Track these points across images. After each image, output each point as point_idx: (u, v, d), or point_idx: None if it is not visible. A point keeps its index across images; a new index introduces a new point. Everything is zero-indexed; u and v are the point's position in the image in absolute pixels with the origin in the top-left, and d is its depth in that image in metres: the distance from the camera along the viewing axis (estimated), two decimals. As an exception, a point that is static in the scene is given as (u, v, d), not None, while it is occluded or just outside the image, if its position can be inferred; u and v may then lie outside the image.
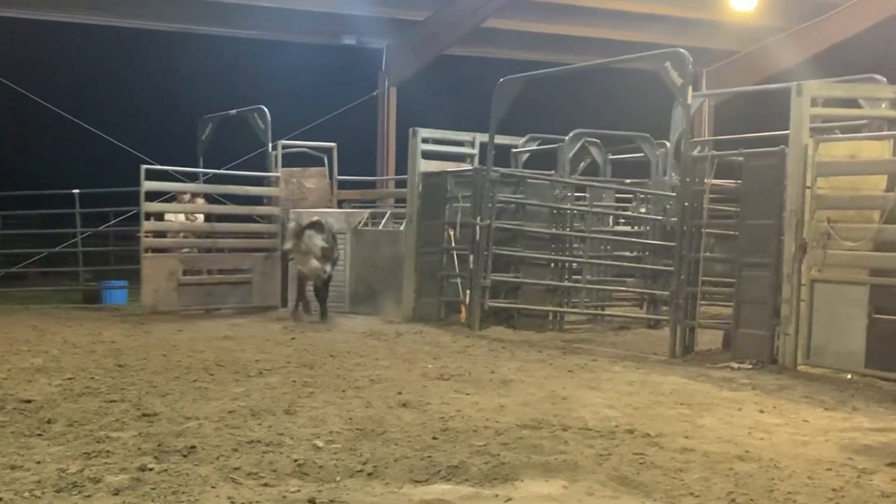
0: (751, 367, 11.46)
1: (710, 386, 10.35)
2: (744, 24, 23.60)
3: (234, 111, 19.32)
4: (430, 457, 6.99)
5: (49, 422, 7.97)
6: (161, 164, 18.33)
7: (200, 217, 18.55)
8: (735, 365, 11.55)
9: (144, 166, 16.88)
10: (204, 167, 19.84)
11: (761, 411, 9.05)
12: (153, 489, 6.18)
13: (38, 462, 6.75)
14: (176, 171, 18.56)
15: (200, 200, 18.57)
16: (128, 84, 25.76)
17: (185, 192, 18.39)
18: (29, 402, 8.76)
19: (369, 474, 6.60)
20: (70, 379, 10.00)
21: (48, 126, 23.07)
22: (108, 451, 7.02)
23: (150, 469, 6.57)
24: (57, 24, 22.52)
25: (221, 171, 19.64)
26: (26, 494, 6.05)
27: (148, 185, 16.86)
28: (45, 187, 19.04)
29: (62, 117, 22.27)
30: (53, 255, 20.45)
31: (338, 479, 6.49)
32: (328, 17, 22.51)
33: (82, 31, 22.95)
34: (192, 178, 19.01)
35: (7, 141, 24.04)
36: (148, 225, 17.26)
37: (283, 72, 24.20)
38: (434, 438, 7.58)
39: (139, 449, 7.11)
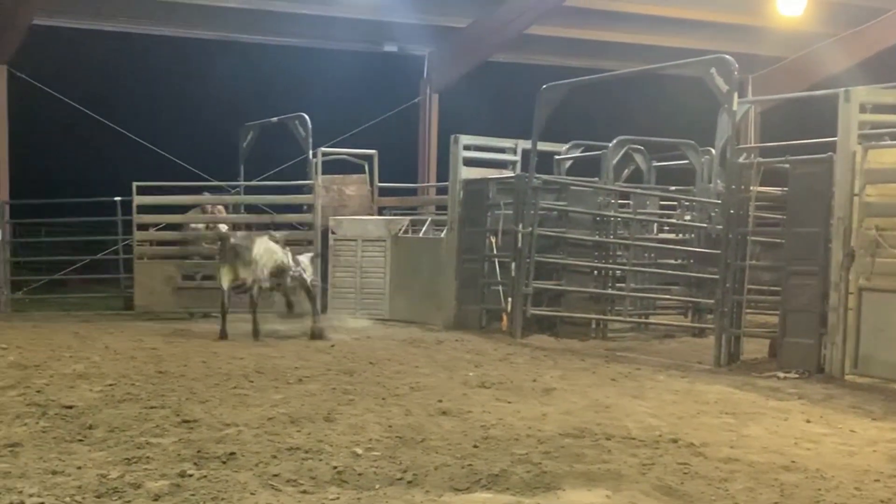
0: (797, 376, 11.36)
1: (755, 395, 10.24)
2: (791, 29, 23.35)
3: (275, 119, 19.41)
4: (470, 465, 6.91)
5: (90, 427, 7.98)
6: (201, 172, 19.07)
7: (223, 226, 18.68)
8: (781, 374, 11.46)
9: (136, 183, 17.80)
10: (245, 174, 19.97)
11: (808, 421, 8.93)
12: (193, 495, 6.16)
13: (79, 467, 6.75)
14: (167, 186, 18.86)
15: (220, 209, 18.68)
16: (169, 92, 25.95)
17: (206, 203, 18.58)
18: (70, 407, 8.78)
19: (409, 482, 6.54)
20: (111, 385, 10.03)
21: (90, 134, 23.24)
22: (148, 457, 7.01)
23: (190, 475, 6.55)
24: (99, 32, 22.65)
25: (232, 183, 19.83)
26: (67, 499, 6.05)
27: (139, 200, 17.83)
28: (87, 195, 19.20)
29: (104, 125, 22.44)
30: (95, 262, 20.61)
31: (377, 486, 6.44)
32: (370, 25, 22.52)
33: (125, 39, 23.13)
34: (188, 192, 19.14)
35: (49, 149, 24.25)
36: (140, 234, 18.08)
37: (324, 79, 24.27)
38: (475, 447, 7.51)
39: (179, 455, 7.10)
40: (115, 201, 18.62)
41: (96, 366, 11.42)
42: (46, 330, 15.29)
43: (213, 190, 19.58)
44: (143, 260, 18.16)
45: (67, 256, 21.25)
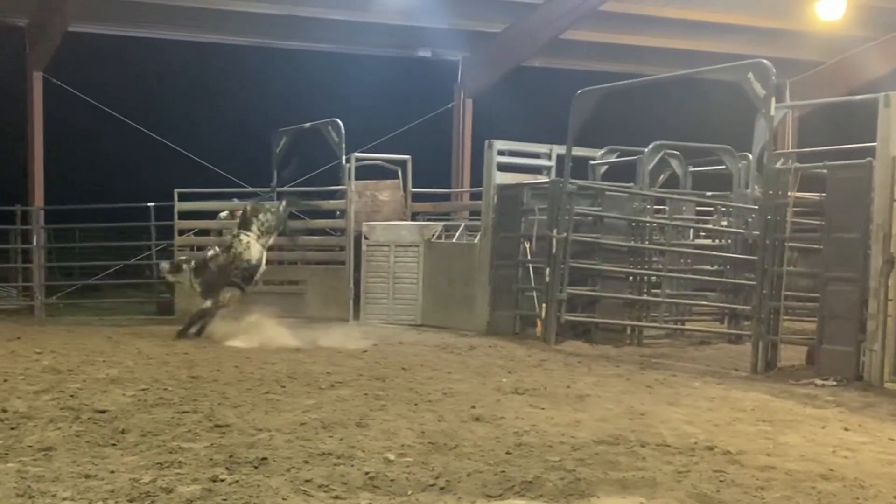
0: (835, 383, 11.22)
1: (792, 403, 10.13)
2: (829, 34, 23.11)
3: (308, 124, 19.41)
4: (503, 472, 6.87)
5: (123, 432, 8.00)
6: (234, 177, 20.08)
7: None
8: (819, 381, 11.32)
9: (177, 190, 18.18)
10: (278, 180, 20.01)
11: (846, 429, 8.82)
12: (224, 500, 6.16)
13: (112, 472, 6.76)
14: (207, 193, 19.14)
15: None
16: (203, 97, 26.03)
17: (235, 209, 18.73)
18: (103, 412, 8.82)
19: (441, 488, 6.49)
20: (144, 390, 10.05)
21: (123, 140, 23.37)
22: (180, 462, 7.02)
23: (222, 480, 6.55)
24: (135, 39, 22.79)
25: (265, 189, 19.92)
26: (100, 503, 6.07)
27: (180, 206, 18.16)
28: (120, 201, 19.33)
29: (137, 131, 22.56)
30: (128, 267, 20.73)
31: (409, 492, 6.40)
32: (404, 30, 22.52)
33: (159, 45, 23.21)
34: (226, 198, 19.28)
35: (83, 154, 24.40)
36: (180, 240, 18.38)
37: (357, 84, 24.29)
38: (508, 453, 7.46)
39: (211, 460, 7.10)
40: (149, 207, 18.73)
41: (129, 370, 11.47)
42: (80, 335, 15.41)
43: (248, 195, 19.65)
44: None
45: (101, 262, 21.36)
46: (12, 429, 8.12)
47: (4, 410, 8.84)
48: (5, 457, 7.18)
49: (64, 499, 6.13)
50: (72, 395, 9.67)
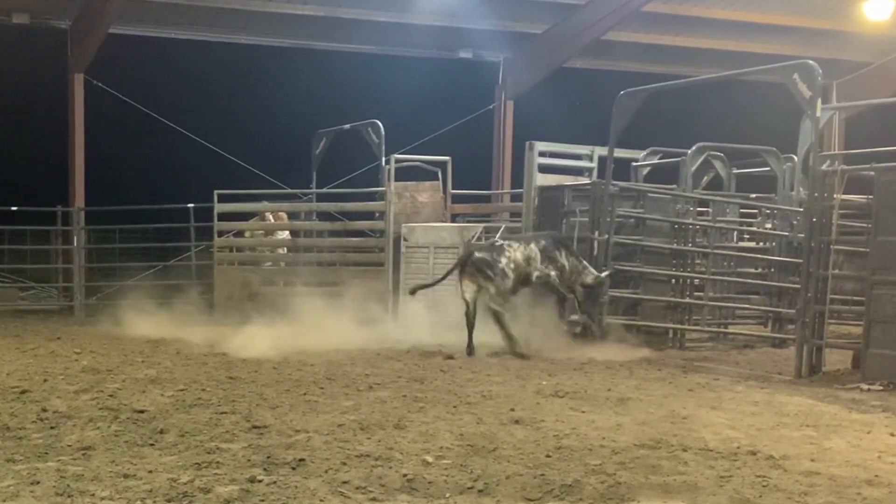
0: (882, 388, 11.09)
1: (837, 407, 9.98)
2: (877, 34, 22.85)
3: (347, 126, 19.44)
4: (543, 475, 6.81)
5: (161, 432, 8.05)
6: (274, 179, 20.47)
7: (285, 233, 18.85)
8: (865, 386, 11.18)
9: (217, 191, 18.33)
10: (317, 181, 20.06)
11: (892, 434, 8.68)
12: (262, 501, 6.16)
13: (150, 471, 6.79)
14: (246, 194, 19.25)
15: (284, 216, 18.85)
16: (243, 99, 26.02)
17: (264, 211, 18.82)
18: (142, 412, 8.88)
19: (480, 491, 6.45)
20: (182, 390, 10.11)
21: (164, 140, 23.45)
22: (218, 462, 7.04)
23: (260, 481, 6.55)
24: (176, 40, 22.87)
25: (304, 191, 19.97)
26: (138, 503, 6.11)
27: (220, 207, 18.35)
28: (160, 202, 19.44)
29: (177, 132, 22.69)
30: (168, 268, 20.84)
31: (447, 495, 6.36)
32: (445, 31, 22.52)
33: (201, 47, 23.23)
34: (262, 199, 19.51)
35: (124, 155, 24.51)
36: (220, 241, 18.63)
37: (398, 86, 24.16)
38: (547, 456, 7.40)
39: (249, 460, 7.11)
40: (189, 208, 18.80)
41: (168, 371, 11.56)
42: (119, 335, 15.51)
43: (288, 197, 19.74)
44: (223, 266, 18.60)
45: (140, 262, 21.48)
46: (52, 428, 8.20)
47: (44, 410, 8.94)
48: (45, 456, 7.25)
49: (102, 498, 6.16)
50: (111, 395, 9.76)
